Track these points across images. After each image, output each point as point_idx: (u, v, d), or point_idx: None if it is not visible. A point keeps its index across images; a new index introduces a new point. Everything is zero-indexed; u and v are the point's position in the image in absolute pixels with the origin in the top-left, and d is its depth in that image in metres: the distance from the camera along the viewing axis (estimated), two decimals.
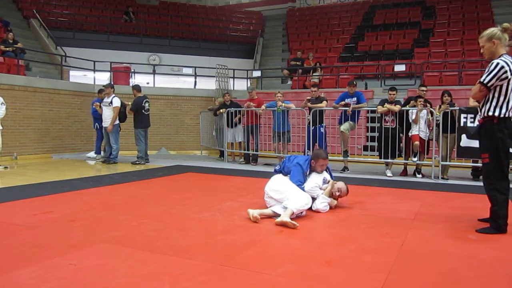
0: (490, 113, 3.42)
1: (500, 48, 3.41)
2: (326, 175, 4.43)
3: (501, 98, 3.37)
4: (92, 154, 10.17)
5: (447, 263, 2.77)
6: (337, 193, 4.35)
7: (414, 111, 6.82)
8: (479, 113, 3.60)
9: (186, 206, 4.50)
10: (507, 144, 3.40)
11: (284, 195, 3.99)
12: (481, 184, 3.88)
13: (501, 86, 3.37)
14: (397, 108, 7.03)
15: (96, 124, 9.41)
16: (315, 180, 4.30)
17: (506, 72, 3.30)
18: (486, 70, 3.40)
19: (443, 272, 2.60)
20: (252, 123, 9.01)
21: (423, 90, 7.14)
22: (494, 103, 3.40)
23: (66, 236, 3.30)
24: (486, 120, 3.49)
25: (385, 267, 2.65)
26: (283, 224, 3.60)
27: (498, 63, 3.32)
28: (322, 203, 4.19)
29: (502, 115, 3.37)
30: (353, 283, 2.43)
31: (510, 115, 3.40)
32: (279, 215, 3.76)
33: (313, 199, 4.21)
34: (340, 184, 4.41)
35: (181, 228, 3.60)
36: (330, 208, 4.26)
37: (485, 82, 3.38)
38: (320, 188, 4.31)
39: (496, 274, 2.59)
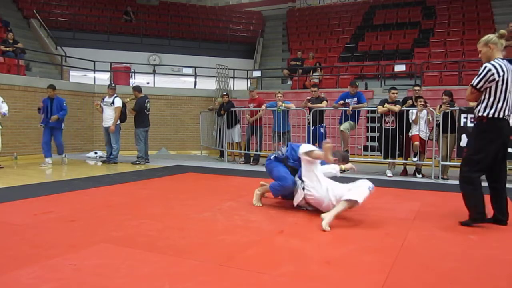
0: (480, 114, 3.64)
1: (496, 52, 3.62)
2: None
3: (491, 99, 3.57)
4: (92, 154, 10.18)
5: (447, 263, 2.77)
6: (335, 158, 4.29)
7: (414, 111, 6.82)
8: (474, 114, 3.81)
9: (186, 206, 4.49)
10: (494, 143, 3.56)
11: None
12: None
13: (490, 88, 3.56)
14: (397, 108, 7.02)
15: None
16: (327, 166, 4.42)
17: (493, 74, 3.50)
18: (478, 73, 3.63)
19: (443, 272, 2.60)
20: (255, 124, 8.99)
21: (416, 90, 7.15)
22: (484, 104, 3.61)
23: (66, 236, 3.30)
24: (477, 121, 3.71)
25: (385, 267, 2.65)
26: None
27: (486, 66, 3.55)
28: (334, 169, 4.35)
29: (490, 115, 3.57)
30: (353, 283, 2.43)
31: (500, 116, 3.55)
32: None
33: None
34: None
35: (181, 228, 3.60)
36: (343, 171, 4.38)
37: (474, 84, 3.63)
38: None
39: (496, 274, 2.59)
